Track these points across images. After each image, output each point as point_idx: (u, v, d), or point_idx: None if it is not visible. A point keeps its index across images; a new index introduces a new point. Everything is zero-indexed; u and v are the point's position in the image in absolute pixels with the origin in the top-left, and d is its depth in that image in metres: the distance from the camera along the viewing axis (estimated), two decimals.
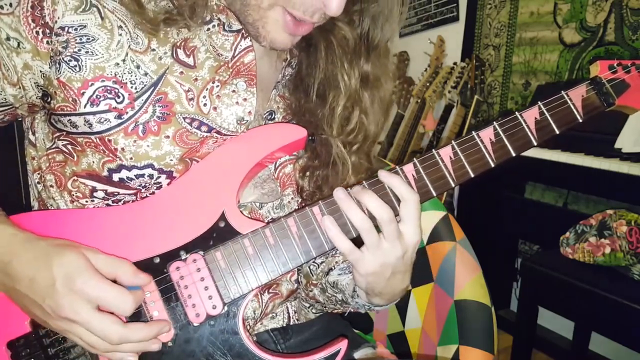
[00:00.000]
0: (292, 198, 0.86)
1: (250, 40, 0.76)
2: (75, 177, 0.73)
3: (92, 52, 0.67)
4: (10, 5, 0.66)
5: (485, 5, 2.72)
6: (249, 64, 0.77)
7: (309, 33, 0.74)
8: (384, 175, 0.69)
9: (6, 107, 0.73)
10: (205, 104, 0.74)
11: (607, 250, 1.58)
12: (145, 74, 0.70)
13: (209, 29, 0.74)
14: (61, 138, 0.73)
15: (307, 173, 0.86)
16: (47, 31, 0.66)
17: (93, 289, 0.60)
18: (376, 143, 0.91)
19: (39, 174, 0.79)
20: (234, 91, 0.76)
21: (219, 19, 0.75)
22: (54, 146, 0.75)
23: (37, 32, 0.66)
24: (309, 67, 0.84)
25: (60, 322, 0.61)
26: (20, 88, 0.70)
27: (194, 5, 0.70)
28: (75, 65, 0.67)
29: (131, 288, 0.64)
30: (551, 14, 2.36)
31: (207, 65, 0.74)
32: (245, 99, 0.76)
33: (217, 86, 0.75)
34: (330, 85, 0.82)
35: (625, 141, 1.74)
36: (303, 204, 0.88)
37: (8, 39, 0.67)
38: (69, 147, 0.73)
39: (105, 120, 0.69)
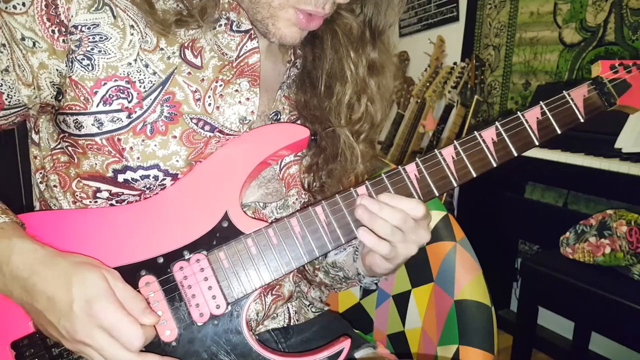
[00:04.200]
0: (296, 199, 0.86)
1: (257, 42, 0.77)
2: (79, 179, 0.73)
3: (104, 51, 0.68)
4: (23, 4, 0.66)
5: (485, 5, 2.72)
6: (253, 64, 0.77)
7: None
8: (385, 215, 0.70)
9: (19, 109, 0.73)
10: (209, 104, 0.74)
11: (607, 250, 1.59)
12: (154, 73, 0.70)
13: (214, 28, 0.75)
14: (64, 139, 0.73)
15: (312, 171, 0.86)
16: (63, 29, 0.66)
17: (109, 316, 0.59)
18: (379, 132, 0.92)
19: (41, 173, 0.79)
20: (236, 90, 0.76)
21: (227, 18, 0.75)
22: (58, 146, 0.75)
23: (53, 31, 0.66)
24: (315, 60, 0.85)
25: (74, 344, 0.60)
26: (35, 88, 0.70)
27: (205, 6, 0.70)
28: (88, 64, 0.67)
29: None
30: (551, 14, 2.36)
31: (212, 64, 0.74)
32: (248, 99, 0.77)
33: (221, 85, 0.75)
34: (337, 75, 0.83)
35: (625, 141, 1.74)
36: (307, 205, 0.89)
37: (23, 39, 0.67)
38: (70, 149, 0.73)
39: (118, 119, 0.69)
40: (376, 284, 0.91)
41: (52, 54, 0.67)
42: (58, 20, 0.66)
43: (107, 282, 0.60)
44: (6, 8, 0.66)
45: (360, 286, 0.96)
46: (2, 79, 0.69)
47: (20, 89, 0.70)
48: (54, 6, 0.66)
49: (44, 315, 0.61)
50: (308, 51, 0.85)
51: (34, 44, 0.67)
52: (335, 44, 0.82)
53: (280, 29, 0.73)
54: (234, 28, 0.76)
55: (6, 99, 0.71)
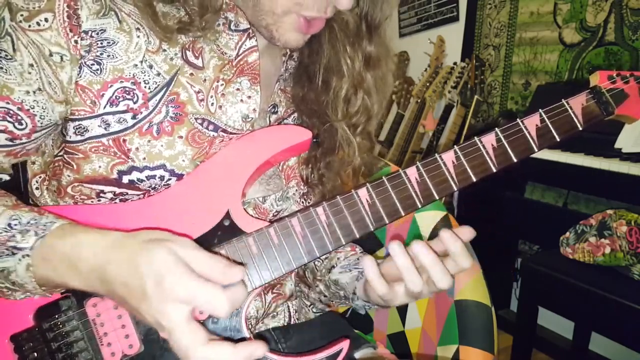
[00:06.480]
0: (296, 190, 0.87)
1: (255, 40, 0.77)
2: (76, 183, 0.73)
3: (112, 55, 0.68)
4: (46, 20, 0.65)
5: (485, 5, 2.72)
6: (252, 63, 0.77)
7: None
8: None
9: (50, 128, 0.72)
10: (212, 104, 0.74)
11: (607, 250, 1.59)
12: (158, 74, 0.71)
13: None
14: (60, 146, 0.73)
15: (310, 163, 0.87)
16: (83, 36, 0.66)
17: (183, 289, 0.54)
18: (377, 123, 0.92)
19: (39, 177, 0.79)
20: (238, 89, 0.77)
21: (225, 18, 0.75)
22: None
23: (76, 41, 0.66)
24: (312, 55, 0.85)
25: (163, 331, 0.56)
26: (65, 104, 0.69)
27: (205, 11, 0.70)
28: (98, 69, 0.67)
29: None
30: (551, 14, 2.36)
31: (212, 64, 0.75)
32: (249, 97, 0.77)
33: (222, 85, 0.75)
34: (334, 70, 0.83)
35: (625, 141, 1.74)
36: (306, 199, 0.89)
37: (51, 54, 0.66)
38: (66, 157, 0.72)
39: (123, 120, 0.69)
40: (367, 310, 0.89)
41: (75, 64, 0.67)
42: (79, 30, 0.66)
43: (175, 255, 0.55)
44: (30, 26, 0.64)
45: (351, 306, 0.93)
46: (34, 100, 0.68)
47: (54, 108, 0.69)
48: (75, 16, 0.65)
49: (126, 302, 0.57)
50: (305, 46, 0.86)
51: (61, 58, 0.66)
52: (332, 39, 0.82)
53: (284, 34, 0.74)
54: (232, 27, 0.76)
55: (39, 120, 0.69)
